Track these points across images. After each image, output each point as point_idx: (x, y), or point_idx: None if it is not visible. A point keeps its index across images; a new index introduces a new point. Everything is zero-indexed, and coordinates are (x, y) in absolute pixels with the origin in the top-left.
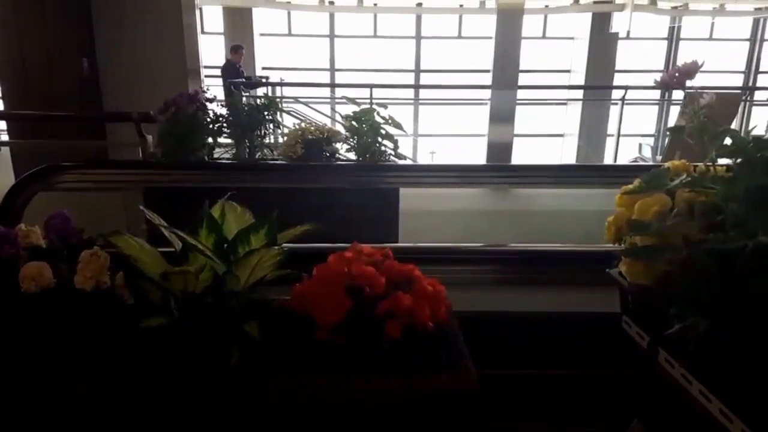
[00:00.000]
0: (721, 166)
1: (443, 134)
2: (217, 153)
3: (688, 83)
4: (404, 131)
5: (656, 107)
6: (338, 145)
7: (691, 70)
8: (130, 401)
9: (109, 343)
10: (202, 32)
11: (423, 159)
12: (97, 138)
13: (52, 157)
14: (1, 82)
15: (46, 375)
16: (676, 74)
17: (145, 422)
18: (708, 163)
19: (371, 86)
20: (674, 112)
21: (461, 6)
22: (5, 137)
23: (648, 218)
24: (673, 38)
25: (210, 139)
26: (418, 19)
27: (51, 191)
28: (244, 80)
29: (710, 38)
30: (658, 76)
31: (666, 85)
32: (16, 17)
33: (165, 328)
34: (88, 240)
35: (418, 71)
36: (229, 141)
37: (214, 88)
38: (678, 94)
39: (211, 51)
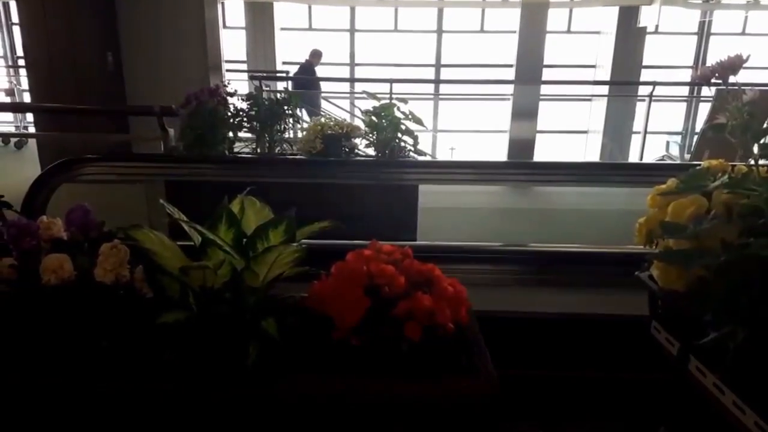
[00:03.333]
0: (764, 166)
1: (463, 130)
2: (237, 147)
3: (731, 79)
4: (425, 127)
5: (684, 104)
6: (357, 141)
7: (735, 64)
8: (147, 400)
9: (126, 338)
10: (224, 27)
11: (443, 155)
12: (121, 132)
13: (77, 150)
14: (28, 75)
15: (62, 372)
16: (718, 68)
17: (159, 421)
18: (749, 164)
19: (391, 81)
20: (703, 109)
21: (484, 0)
22: (32, 129)
23: (683, 220)
24: (704, 33)
25: (230, 134)
26: (440, 13)
27: (75, 183)
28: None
29: (743, 33)
30: (692, 71)
31: (706, 80)
32: (43, 12)
33: (183, 323)
34: (108, 233)
35: (438, 66)
36: (249, 135)
37: (234, 82)
38: (707, 91)
39: (233, 45)
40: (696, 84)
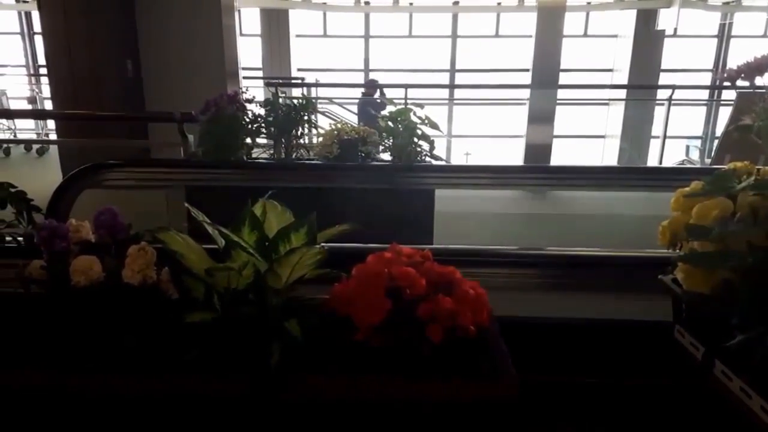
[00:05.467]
0: None
1: (478, 135)
2: (255, 153)
3: (758, 80)
4: (441, 131)
5: (704, 108)
6: (373, 146)
7: (762, 65)
8: (171, 398)
9: (152, 337)
10: (240, 34)
11: (457, 160)
12: (141, 138)
13: (98, 157)
14: (50, 83)
15: (88, 370)
16: (745, 69)
17: (181, 418)
18: None
19: (406, 86)
20: (723, 113)
21: (499, 4)
22: (53, 136)
23: (708, 223)
24: (724, 36)
25: (248, 139)
26: (454, 18)
27: (96, 189)
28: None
29: (764, 35)
30: (713, 74)
31: (732, 81)
32: (64, 21)
33: (208, 323)
34: (135, 235)
35: (453, 71)
36: (266, 141)
37: (251, 89)
38: (728, 95)
39: (249, 53)
40: (718, 87)
